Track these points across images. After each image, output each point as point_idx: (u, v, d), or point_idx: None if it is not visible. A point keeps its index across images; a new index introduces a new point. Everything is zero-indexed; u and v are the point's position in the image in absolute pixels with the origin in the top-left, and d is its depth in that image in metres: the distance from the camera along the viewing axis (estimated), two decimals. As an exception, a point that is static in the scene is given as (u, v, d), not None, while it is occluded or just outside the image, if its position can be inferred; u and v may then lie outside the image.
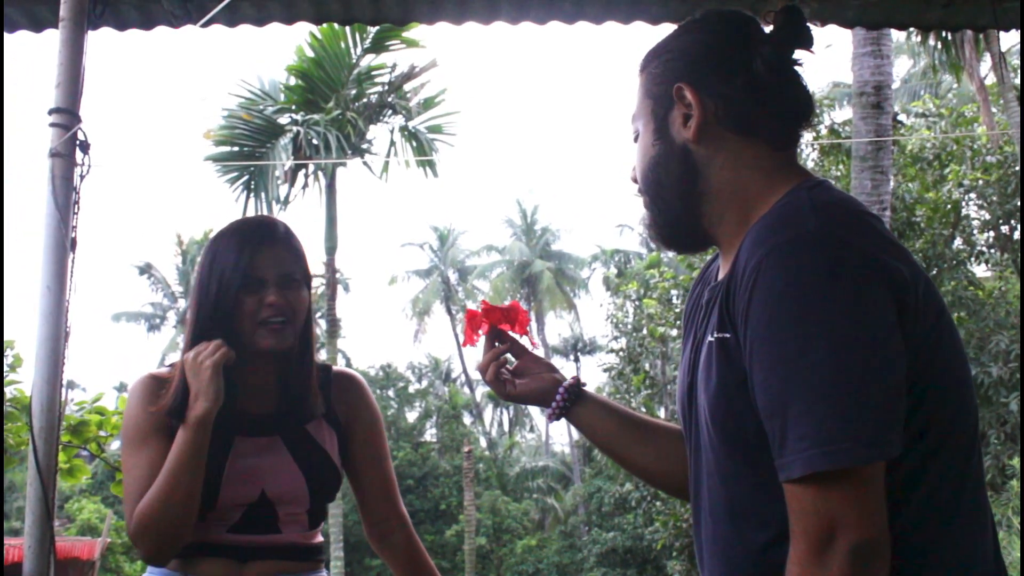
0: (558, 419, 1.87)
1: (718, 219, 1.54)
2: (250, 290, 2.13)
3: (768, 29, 1.56)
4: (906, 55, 26.06)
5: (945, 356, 1.39)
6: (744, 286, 1.35)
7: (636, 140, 1.63)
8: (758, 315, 1.32)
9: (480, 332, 1.89)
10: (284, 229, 2.22)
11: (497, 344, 1.89)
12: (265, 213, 16.83)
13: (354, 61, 17.16)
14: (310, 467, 2.17)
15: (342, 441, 2.27)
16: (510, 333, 1.90)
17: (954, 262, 14.78)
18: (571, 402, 1.85)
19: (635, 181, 1.65)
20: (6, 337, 3.71)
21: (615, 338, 23.13)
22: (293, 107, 17.55)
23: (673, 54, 1.57)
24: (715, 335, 1.43)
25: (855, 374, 1.27)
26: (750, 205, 1.50)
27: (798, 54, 1.55)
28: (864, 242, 1.34)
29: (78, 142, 2.76)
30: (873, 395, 1.27)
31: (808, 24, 1.55)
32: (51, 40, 2.98)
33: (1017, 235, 15.32)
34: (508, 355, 1.90)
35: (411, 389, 37.74)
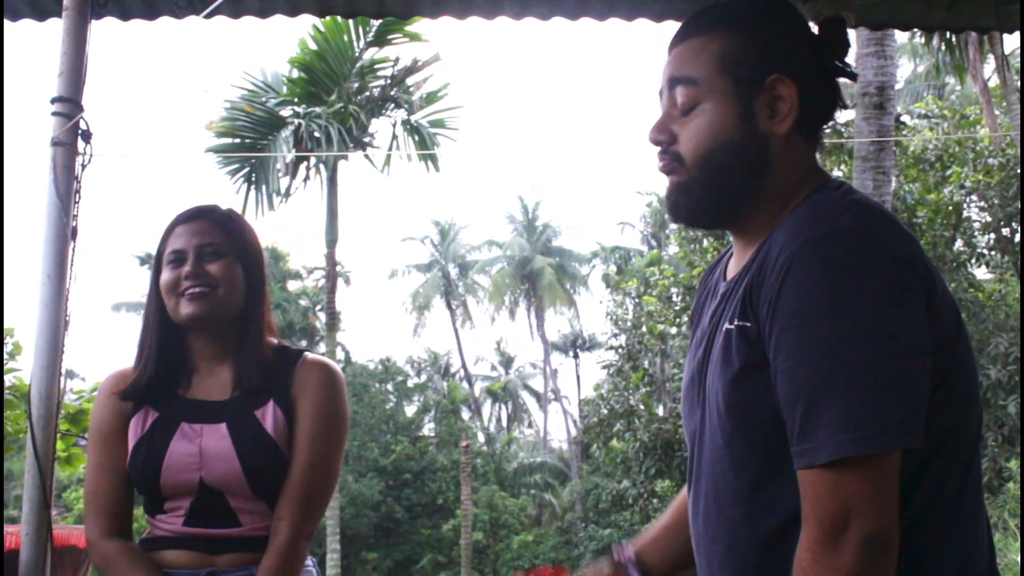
0: None
1: (755, 211, 1.53)
2: (172, 264, 2.19)
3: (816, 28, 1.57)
4: (908, 56, 26.03)
5: (960, 355, 1.42)
6: (774, 277, 1.37)
7: (688, 106, 1.53)
8: (788, 304, 1.34)
9: None
10: (223, 211, 2.28)
11: None
12: (266, 205, 16.87)
13: (357, 54, 17.16)
14: (250, 454, 2.14)
15: (291, 425, 2.21)
16: None
17: (954, 264, 14.79)
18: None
19: (659, 144, 1.57)
20: (6, 325, 3.72)
21: (615, 335, 23.14)
22: (295, 99, 17.55)
23: (759, 37, 1.51)
24: (735, 323, 1.44)
25: (884, 363, 1.29)
26: (786, 201, 1.51)
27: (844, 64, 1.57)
28: (894, 238, 1.37)
29: (80, 131, 2.77)
30: (900, 384, 1.29)
31: (847, 38, 1.57)
32: (55, 29, 2.98)
33: (1018, 238, 15.32)
34: None
35: (410, 383, 37.75)
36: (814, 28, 1.58)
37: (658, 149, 1.58)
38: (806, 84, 1.50)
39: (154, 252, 2.26)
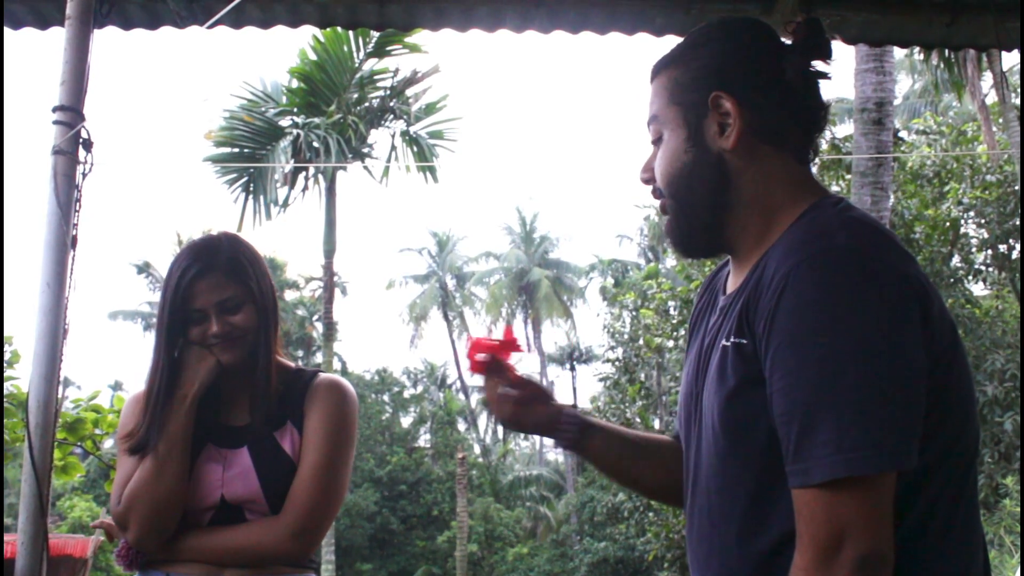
0: (571, 448, 1.83)
1: (741, 229, 1.54)
2: (194, 322, 2.23)
3: (788, 40, 1.57)
4: (906, 72, 26.10)
5: (957, 373, 1.41)
6: (771, 294, 1.37)
7: (656, 143, 1.61)
8: (784, 322, 1.34)
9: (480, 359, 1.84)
10: (227, 249, 2.27)
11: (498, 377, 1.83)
12: (264, 215, 16.87)
13: (356, 65, 17.18)
14: (269, 475, 2.21)
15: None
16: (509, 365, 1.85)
17: (952, 280, 14.81)
18: (577, 431, 1.81)
19: (648, 183, 1.64)
20: (5, 333, 3.71)
21: (611, 348, 23.13)
22: (294, 110, 17.56)
23: (702, 61, 1.55)
24: (732, 340, 1.44)
25: (880, 383, 1.28)
26: (774, 217, 1.51)
27: (822, 66, 1.56)
28: (892, 257, 1.36)
29: (81, 140, 2.77)
30: (896, 405, 1.29)
31: (827, 36, 1.56)
32: (57, 38, 2.98)
33: (1015, 254, 15.35)
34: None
35: (406, 394, 37.68)
36: (787, 38, 1.58)
37: (650, 188, 1.64)
38: (753, 97, 1.51)
39: (161, 294, 2.28)
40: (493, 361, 1.82)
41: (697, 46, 1.58)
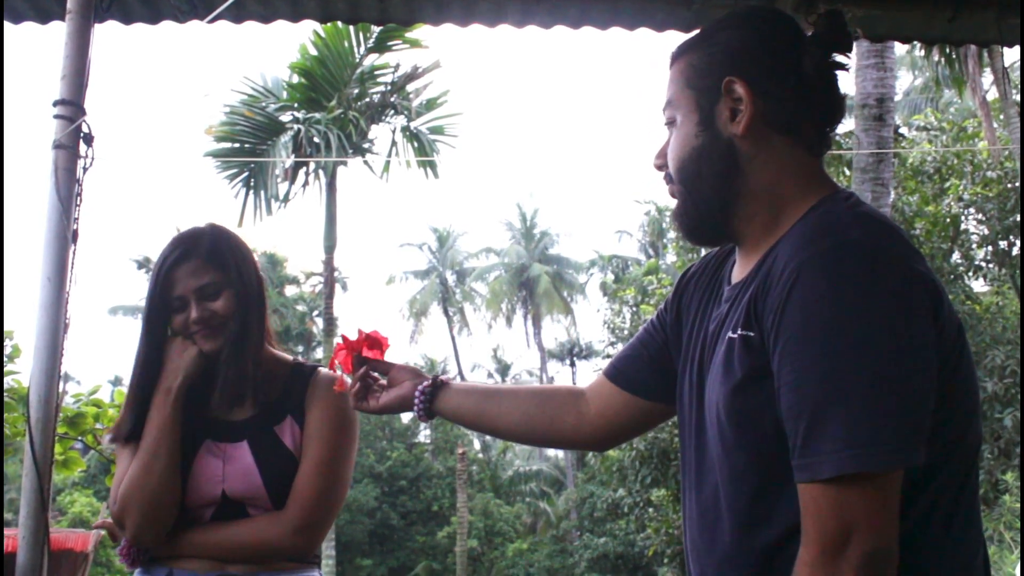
0: (427, 419, 1.97)
1: (748, 218, 1.54)
2: (176, 310, 2.24)
3: (810, 32, 1.57)
4: (907, 68, 26.08)
5: (963, 372, 1.41)
6: (780, 287, 1.36)
7: (670, 127, 1.61)
8: (794, 317, 1.33)
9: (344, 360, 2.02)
10: (209, 237, 2.28)
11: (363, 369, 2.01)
12: (264, 210, 16.88)
13: (357, 60, 17.17)
14: (271, 469, 2.21)
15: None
16: (378, 357, 2.03)
17: (952, 276, 14.81)
18: (431, 400, 1.94)
19: (660, 168, 1.64)
20: (5, 327, 3.71)
21: (612, 344, 23.10)
22: (295, 105, 17.56)
23: (720, 47, 1.55)
24: (739, 332, 1.44)
25: (891, 380, 1.28)
26: (782, 208, 1.51)
27: (841, 58, 1.56)
28: (903, 254, 1.36)
29: (82, 134, 2.77)
30: (907, 402, 1.29)
31: (849, 29, 1.56)
32: (57, 32, 2.98)
33: (1015, 251, 15.35)
34: (377, 374, 2.02)
35: (406, 390, 37.60)
36: (808, 29, 1.58)
37: (662, 175, 1.64)
38: (767, 85, 1.51)
39: (149, 289, 2.28)
40: (357, 358, 1.99)
41: (716, 32, 1.58)
